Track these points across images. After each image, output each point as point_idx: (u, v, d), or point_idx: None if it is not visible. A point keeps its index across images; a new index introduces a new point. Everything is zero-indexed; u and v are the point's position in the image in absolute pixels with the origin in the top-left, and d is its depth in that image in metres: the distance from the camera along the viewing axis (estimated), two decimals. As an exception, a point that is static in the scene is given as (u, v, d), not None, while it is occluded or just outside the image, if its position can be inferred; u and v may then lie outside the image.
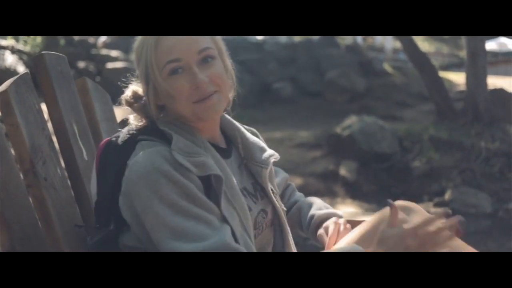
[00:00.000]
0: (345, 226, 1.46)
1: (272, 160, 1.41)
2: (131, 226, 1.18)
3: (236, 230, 1.18)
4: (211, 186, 1.20)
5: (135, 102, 1.31)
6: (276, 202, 1.40)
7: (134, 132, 1.27)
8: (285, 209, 1.44)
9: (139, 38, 1.27)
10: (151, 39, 1.23)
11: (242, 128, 1.45)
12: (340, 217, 1.52)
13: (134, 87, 1.33)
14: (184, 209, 1.13)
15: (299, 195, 1.65)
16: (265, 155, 1.41)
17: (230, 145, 1.40)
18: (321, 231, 1.48)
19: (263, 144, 1.45)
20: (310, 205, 1.58)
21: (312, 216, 1.53)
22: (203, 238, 1.11)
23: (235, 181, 1.27)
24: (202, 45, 1.23)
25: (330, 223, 1.47)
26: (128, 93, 1.33)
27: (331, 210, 1.55)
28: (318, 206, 1.56)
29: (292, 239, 1.43)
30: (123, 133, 1.29)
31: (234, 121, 1.44)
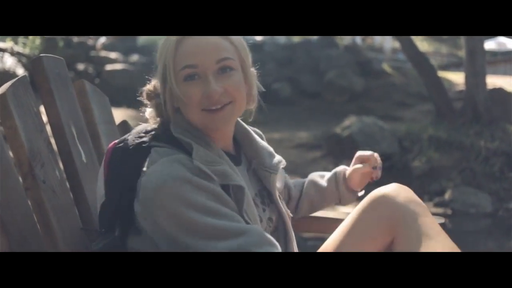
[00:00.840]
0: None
1: (280, 166, 1.40)
2: (150, 234, 1.15)
3: None
4: (229, 196, 1.18)
5: (154, 98, 1.29)
6: (282, 208, 1.39)
7: (144, 136, 1.25)
8: (291, 215, 1.44)
9: (165, 37, 1.25)
10: (173, 39, 1.21)
11: (252, 132, 1.43)
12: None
13: (157, 83, 1.30)
14: (214, 210, 1.11)
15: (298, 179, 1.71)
16: (275, 160, 1.40)
17: (239, 150, 1.38)
18: (354, 167, 1.57)
19: (271, 149, 1.44)
20: (321, 175, 1.67)
21: (334, 173, 1.63)
22: (239, 233, 1.10)
23: (249, 192, 1.25)
24: (222, 55, 1.21)
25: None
26: (149, 87, 1.30)
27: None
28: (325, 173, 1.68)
29: (295, 244, 1.42)
30: (132, 136, 1.26)
31: (245, 125, 1.42)
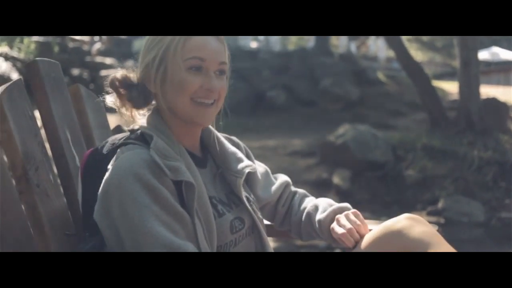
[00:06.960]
0: (352, 214, 1.46)
1: (247, 170, 1.44)
2: (100, 227, 1.18)
3: (200, 240, 1.20)
4: (182, 192, 1.22)
5: (121, 87, 1.33)
6: (252, 211, 1.42)
7: (118, 141, 1.29)
8: (261, 217, 1.46)
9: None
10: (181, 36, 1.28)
11: (221, 137, 1.48)
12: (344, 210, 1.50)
13: (125, 73, 1.35)
14: (155, 214, 1.14)
15: (307, 200, 1.61)
16: (241, 165, 1.44)
17: (206, 154, 1.43)
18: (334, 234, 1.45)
19: (240, 154, 1.48)
20: (316, 208, 1.54)
21: (320, 222, 1.50)
22: (170, 246, 1.13)
23: (205, 191, 1.28)
24: (223, 59, 1.31)
25: (336, 223, 1.45)
26: (117, 75, 1.34)
27: (333, 207, 1.51)
28: (323, 207, 1.53)
29: (271, 247, 1.45)
30: (108, 143, 1.31)
31: (214, 130, 1.47)
